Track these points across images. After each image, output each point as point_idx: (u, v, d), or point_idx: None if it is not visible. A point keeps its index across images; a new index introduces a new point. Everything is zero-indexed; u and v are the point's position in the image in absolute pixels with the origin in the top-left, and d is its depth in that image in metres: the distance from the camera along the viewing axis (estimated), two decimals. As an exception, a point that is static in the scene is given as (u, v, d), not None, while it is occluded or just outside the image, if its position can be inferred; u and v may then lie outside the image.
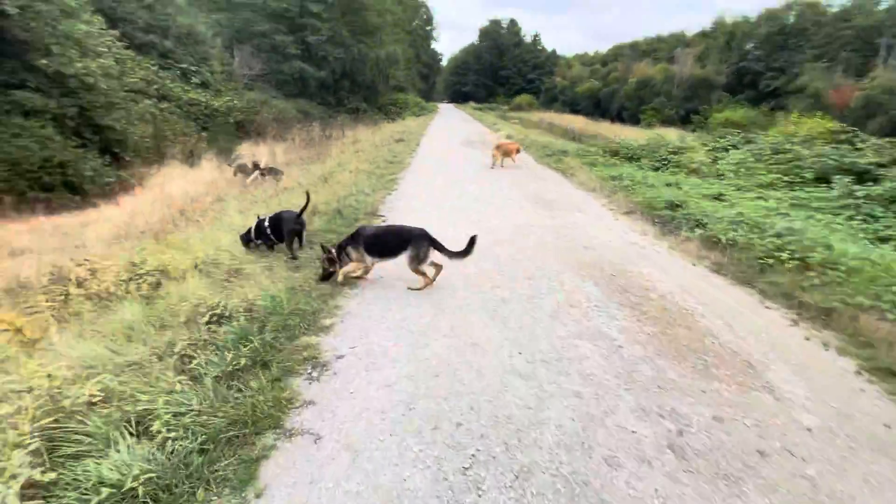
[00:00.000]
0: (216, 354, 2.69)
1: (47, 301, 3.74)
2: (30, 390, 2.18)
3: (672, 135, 17.78)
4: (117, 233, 8.19)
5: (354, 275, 4.22)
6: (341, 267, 4.15)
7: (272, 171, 12.62)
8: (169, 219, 9.34)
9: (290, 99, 29.36)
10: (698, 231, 5.72)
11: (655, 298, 3.97)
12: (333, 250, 4.10)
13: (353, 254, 4.13)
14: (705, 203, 7.18)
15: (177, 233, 7.84)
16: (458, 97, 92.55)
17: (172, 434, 2.06)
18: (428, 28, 68.55)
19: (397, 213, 6.65)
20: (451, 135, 21.77)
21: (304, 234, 5.30)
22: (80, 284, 3.73)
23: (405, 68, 45.53)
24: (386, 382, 2.70)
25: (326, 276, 4.16)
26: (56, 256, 7.24)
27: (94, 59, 11.02)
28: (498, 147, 11.76)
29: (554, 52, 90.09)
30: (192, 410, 2.23)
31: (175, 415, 2.19)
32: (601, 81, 65.17)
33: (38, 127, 9.65)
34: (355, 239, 4.14)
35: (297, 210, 5.17)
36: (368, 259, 4.16)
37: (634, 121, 46.35)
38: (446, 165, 11.62)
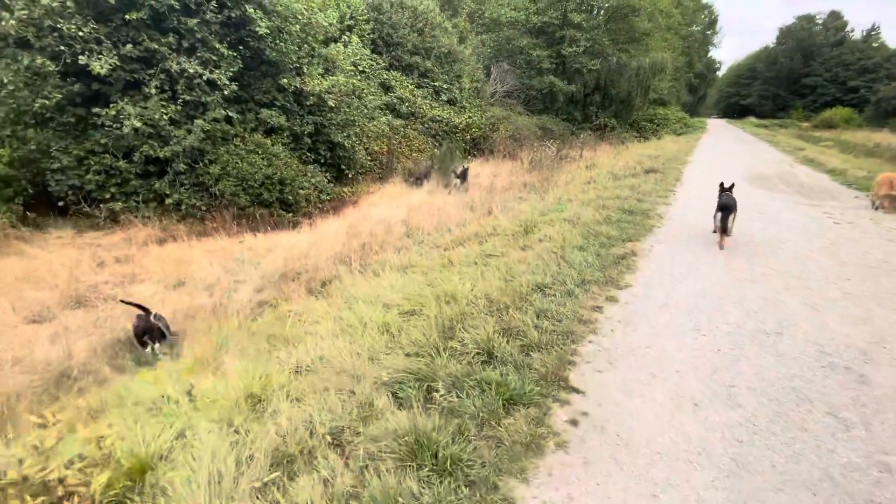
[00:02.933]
0: None
1: None
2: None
3: None
4: (280, 269, 6.92)
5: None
6: None
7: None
8: (343, 255, 7.75)
9: (535, 115, 27.13)
10: None
11: None
12: None
13: None
14: None
15: (321, 294, 5.90)
16: (734, 111, 75.30)
17: None
18: (709, 32, 56.78)
19: (608, 427, 2.80)
20: (730, 164, 15.29)
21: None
22: None
23: (671, 78, 37.84)
24: None
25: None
26: (205, 299, 6.25)
27: (334, 77, 10.53)
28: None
29: (902, 49, 63.00)
30: None
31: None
32: None
33: (270, 144, 9.51)
34: None
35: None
36: None
37: None
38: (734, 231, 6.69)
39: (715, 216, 6.03)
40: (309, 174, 10.22)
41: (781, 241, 6.08)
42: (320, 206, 10.48)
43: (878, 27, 67.06)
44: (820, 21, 71.19)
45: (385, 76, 18.33)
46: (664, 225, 6.79)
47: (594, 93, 29.29)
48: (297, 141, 10.71)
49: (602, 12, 28.63)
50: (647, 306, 3.92)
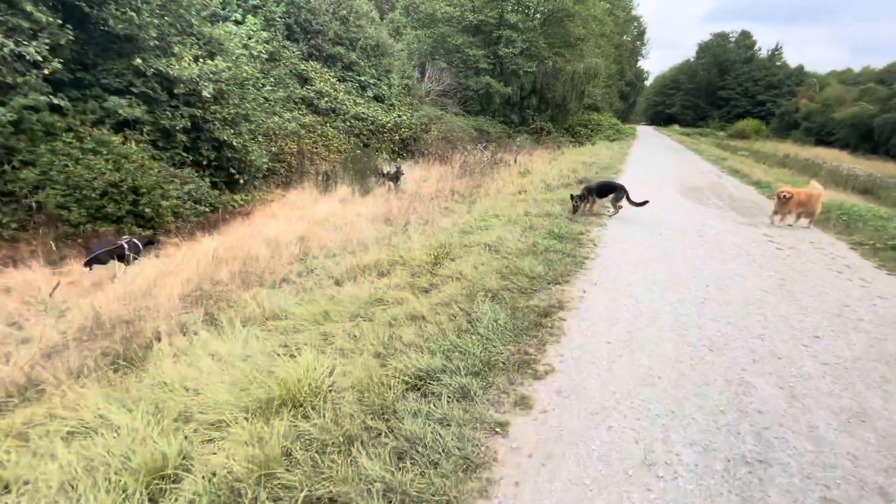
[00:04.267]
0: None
1: None
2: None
3: None
4: (98, 318, 4.98)
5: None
6: None
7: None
8: (201, 292, 5.91)
9: (471, 116, 26.11)
10: None
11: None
12: None
13: None
14: None
15: (124, 368, 4.08)
16: (660, 119, 79.77)
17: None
18: (638, 43, 59.24)
19: None
20: (661, 173, 14.94)
21: None
22: None
23: (604, 85, 38.57)
24: None
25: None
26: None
27: (213, 62, 8.50)
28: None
29: (800, 68, 69.81)
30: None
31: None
32: (878, 105, 46.61)
33: (119, 142, 7.37)
34: None
35: None
36: None
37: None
38: (672, 262, 5.66)
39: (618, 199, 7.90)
40: (180, 180, 8.16)
41: (731, 277, 5.12)
42: (197, 219, 8.45)
43: (781, 47, 73.83)
44: (733, 39, 77.22)
45: (303, 67, 16.29)
46: (598, 255, 5.63)
47: (531, 96, 28.81)
48: (169, 138, 8.59)
49: (538, 15, 28.18)
50: (573, 415, 2.58)
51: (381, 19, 28.03)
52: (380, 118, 17.24)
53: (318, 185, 12.19)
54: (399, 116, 18.03)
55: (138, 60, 7.48)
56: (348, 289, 5.23)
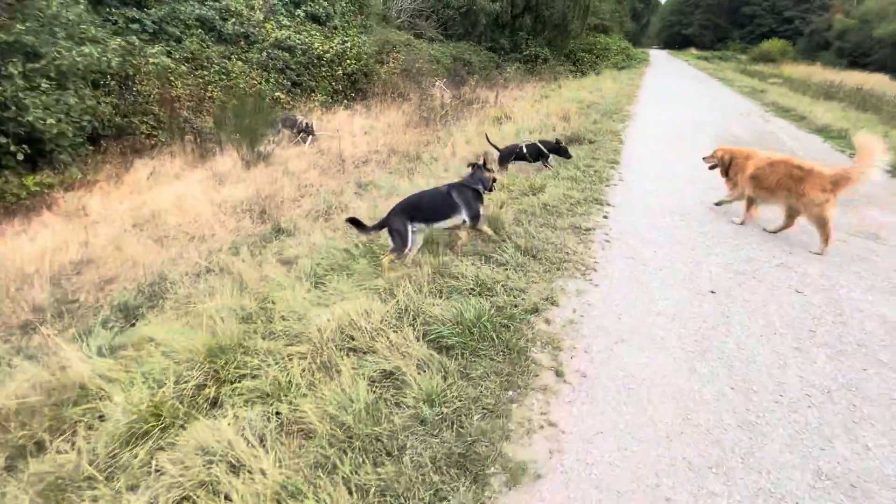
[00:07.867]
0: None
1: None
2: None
3: None
4: None
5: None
6: None
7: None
8: None
9: (451, 42, 20.93)
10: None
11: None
12: None
13: None
14: None
15: None
16: (675, 42, 70.73)
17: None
18: (655, -51, 49.91)
19: None
20: (686, 118, 10.59)
21: None
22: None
23: (615, 1, 31.98)
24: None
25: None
26: None
27: None
28: None
29: (838, -24, 59.52)
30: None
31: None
32: (931, 19, 39.28)
33: None
34: None
35: None
36: None
37: None
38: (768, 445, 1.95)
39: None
40: None
41: None
42: None
43: (818, -48, 62.67)
44: (764, -57, 65.69)
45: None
46: (559, 455, 2.03)
47: (524, 14, 23.16)
48: None
49: None
50: None
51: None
52: (315, 47, 12.69)
53: (194, 148, 8.32)
54: (343, 43, 13.42)
55: None
56: None
